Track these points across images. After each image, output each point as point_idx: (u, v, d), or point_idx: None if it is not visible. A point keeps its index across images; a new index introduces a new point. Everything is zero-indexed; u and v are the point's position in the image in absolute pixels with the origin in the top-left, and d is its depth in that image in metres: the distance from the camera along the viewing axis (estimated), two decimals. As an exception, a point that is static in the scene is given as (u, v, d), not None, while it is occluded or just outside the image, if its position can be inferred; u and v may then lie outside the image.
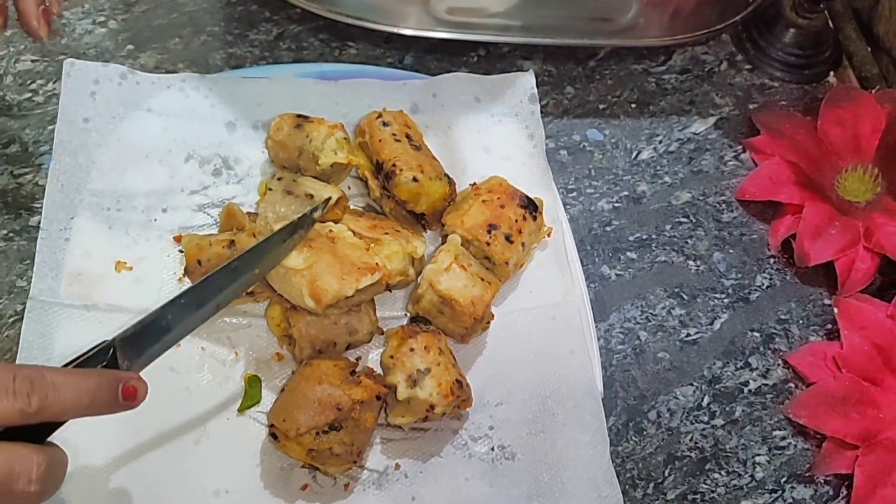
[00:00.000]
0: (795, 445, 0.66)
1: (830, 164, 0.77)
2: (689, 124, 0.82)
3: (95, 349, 0.49)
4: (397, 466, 0.60)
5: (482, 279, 0.63)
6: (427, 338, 0.61)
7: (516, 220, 0.66)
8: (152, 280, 0.64)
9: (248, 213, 0.65)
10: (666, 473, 0.64)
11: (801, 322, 0.71)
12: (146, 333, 0.51)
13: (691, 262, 0.73)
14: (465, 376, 0.61)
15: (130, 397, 0.48)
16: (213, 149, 0.70)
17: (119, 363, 0.49)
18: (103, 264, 0.64)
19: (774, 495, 0.63)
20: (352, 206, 0.69)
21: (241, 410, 0.60)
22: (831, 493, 0.64)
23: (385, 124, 0.68)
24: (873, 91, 0.80)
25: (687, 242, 0.75)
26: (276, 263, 0.58)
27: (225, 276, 0.54)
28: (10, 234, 0.67)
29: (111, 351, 0.49)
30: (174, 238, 0.66)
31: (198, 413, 0.60)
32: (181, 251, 0.64)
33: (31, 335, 0.60)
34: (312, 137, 0.66)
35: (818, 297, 0.73)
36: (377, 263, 0.60)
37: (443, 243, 0.66)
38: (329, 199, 0.62)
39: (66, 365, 0.47)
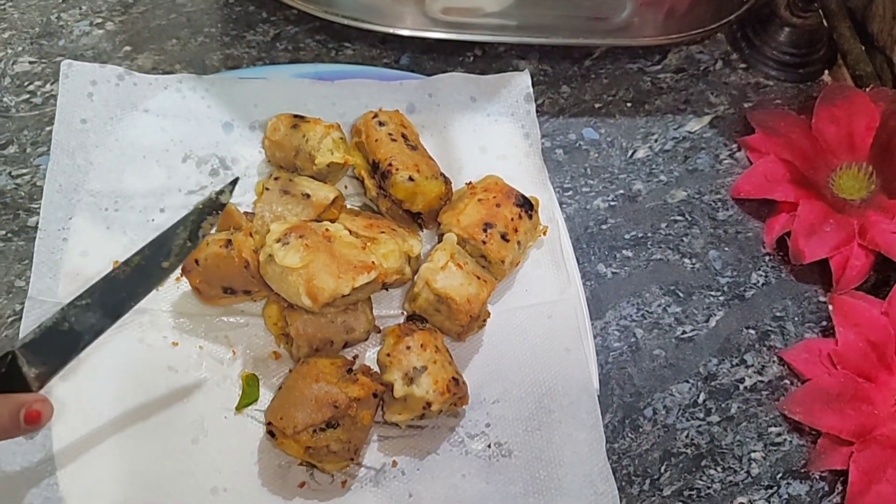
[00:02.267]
0: (791, 442, 0.66)
1: (825, 162, 0.78)
2: (685, 123, 0.82)
3: None
4: (394, 464, 0.60)
5: (478, 277, 0.64)
6: (423, 336, 0.61)
7: (512, 219, 0.66)
8: (150, 280, 0.64)
9: (246, 213, 0.66)
10: (662, 470, 0.64)
11: (796, 319, 0.72)
12: (50, 338, 0.50)
13: (687, 260, 0.74)
14: (461, 374, 0.61)
15: (33, 421, 0.47)
16: (210, 149, 0.71)
17: (24, 371, 0.48)
18: (101, 264, 0.64)
19: (770, 491, 0.64)
20: (348, 206, 0.69)
21: (238, 409, 0.61)
22: (826, 489, 0.64)
23: (381, 124, 0.69)
24: (867, 89, 0.81)
25: (682, 240, 0.75)
26: (185, 256, 0.54)
27: (131, 275, 0.52)
28: (9, 235, 0.67)
29: (10, 358, 0.48)
30: (172, 238, 0.66)
31: (196, 412, 0.60)
32: (178, 251, 0.65)
33: (30, 335, 0.60)
34: (309, 137, 0.67)
35: (813, 295, 0.73)
36: (373, 262, 0.60)
37: (439, 242, 0.66)
38: (237, 179, 0.57)
39: None
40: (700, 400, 0.67)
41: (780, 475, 0.64)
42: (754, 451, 0.65)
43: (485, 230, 0.65)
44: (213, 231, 0.57)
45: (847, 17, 0.88)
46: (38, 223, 0.65)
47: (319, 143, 0.66)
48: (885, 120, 0.77)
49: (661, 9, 0.79)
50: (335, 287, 0.58)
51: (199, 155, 0.70)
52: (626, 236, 0.74)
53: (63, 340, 0.50)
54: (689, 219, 0.76)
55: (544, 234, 0.70)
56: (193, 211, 0.54)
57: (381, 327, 0.64)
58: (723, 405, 0.67)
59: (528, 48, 0.84)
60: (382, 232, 0.64)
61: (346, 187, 0.71)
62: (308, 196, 0.65)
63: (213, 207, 0.55)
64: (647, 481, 0.63)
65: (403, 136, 0.69)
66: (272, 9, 0.83)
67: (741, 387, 0.68)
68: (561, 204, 0.74)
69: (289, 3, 0.75)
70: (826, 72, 0.87)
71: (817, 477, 0.65)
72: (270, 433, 0.58)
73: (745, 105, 0.84)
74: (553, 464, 0.61)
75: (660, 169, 0.79)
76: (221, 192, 0.55)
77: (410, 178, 0.65)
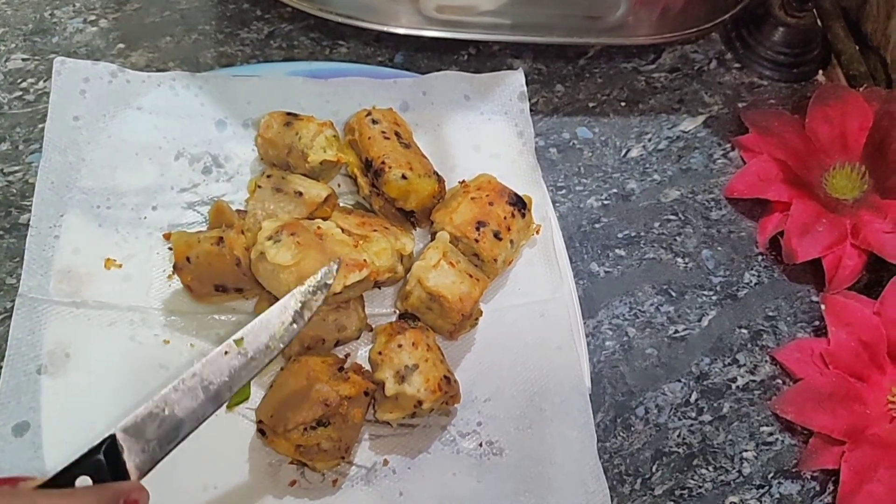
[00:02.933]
0: (782, 441, 0.66)
1: (818, 161, 0.78)
2: (679, 122, 0.82)
3: (97, 447, 0.46)
4: (385, 462, 0.60)
5: (471, 276, 0.64)
6: (415, 334, 0.61)
7: (505, 218, 0.66)
8: (141, 277, 0.64)
9: (238, 211, 0.66)
10: (653, 469, 0.64)
11: (788, 319, 0.72)
12: (150, 423, 0.48)
13: (680, 260, 0.74)
14: (453, 372, 0.61)
15: None
16: (202, 146, 0.71)
17: (123, 457, 0.46)
18: (93, 261, 0.64)
19: (761, 491, 0.64)
20: (341, 204, 0.69)
21: (229, 407, 0.60)
22: (818, 488, 0.64)
23: (374, 122, 0.69)
24: (861, 89, 0.81)
25: (675, 240, 0.75)
26: (290, 338, 0.52)
27: (233, 357, 0.50)
28: (0, 232, 0.67)
29: (110, 441, 0.46)
30: (164, 235, 0.66)
31: (186, 409, 0.60)
32: (170, 248, 0.65)
33: (20, 332, 0.60)
34: (302, 135, 0.67)
35: (806, 294, 0.73)
36: (365, 260, 0.60)
37: (432, 240, 0.66)
38: (340, 263, 0.56)
39: (68, 467, 0.45)
40: (692, 399, 0.67)
41: (771, 475, 0.64)
42: (746, 451, 0.65)
43: (477, 229, 0.65)
44: (317, 308, 0.54)
45: (841, 16, 0.88)
46: (29, 220, 0.64)
47: (312, 141, 0.66)
48: (878, 120, 0.77)
49: (656, 8, 0.79)
50: (327, 285, 0.58)
51: (192, 152, 0.70)
52: (619, 235, 0.74)
53: (164, 426, 0.48)
54: (683, 218, 0.76)
55: (537, 232, 0.70)
56: (298, 291, 0.53)
57: (373, 325, 0.64)
58: (715, 404, 0.67)
59: (522, 47, 0.84)
60: (375, 230, 0.64)
61: (338, 185, 0.71)
62: (300, 194, 0.65)
63: (318, 288, 0.54)
64: (639, 480, 0.63)
65: (397, 134, 0.69)
66: (266, 6, 0.83)
67: (733, 386, 0.68)
68: (554, 203, 0.74)
69: (283, 0, 0.75)
70: (820, 72, 0.87)
71: (809, 476, 0.65)
72: (261, 431, 0.58)
73: (739, 104, 0.84)
74: (544, 462, 0.61)
75: (653, 168, 0.79)
76: (328, 274, 0.54)
77: (403, 177, 0.65)
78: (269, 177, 0.66)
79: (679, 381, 0.68)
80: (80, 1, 0.81)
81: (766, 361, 0.69)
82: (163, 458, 0.48)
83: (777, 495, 0.64)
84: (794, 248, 0.72)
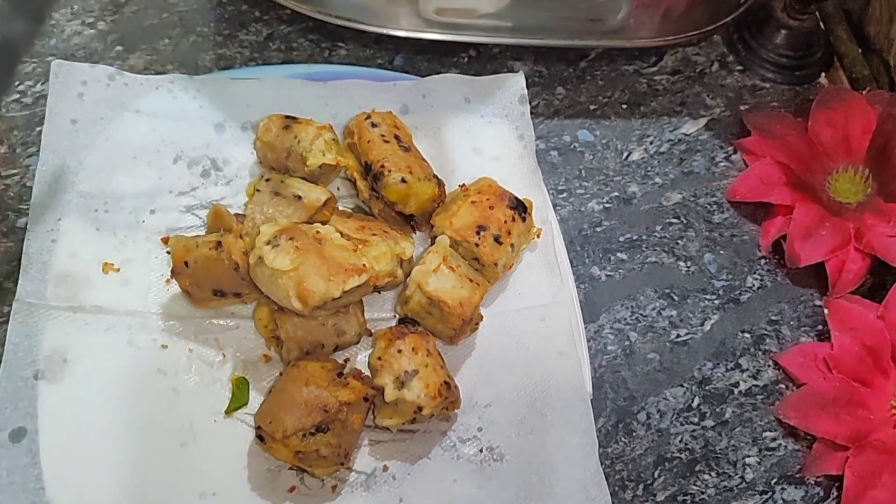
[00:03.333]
0: (786, 446, 0.65)
1: (821, 165, 0.77)
2: (680, 125, 0.82)
3: None
4: (385, 468, 0.59)
5: (471, 280, 0.63)
6: (415, 339, 0.60)
7: (505, 222, 0.66)
8: (139, 281, 0.64)
9: (236, 215, 0.65)
10: (655, 475, 0.63)
11: (791, 323, 0.71)
12: None
13: (682, 263, 0.73)
14: (453, 378, 0.61)
15: None
16: (201, 150, 0.70)
17: None
18: (90, 266, 0.63)
19: (765, 496, 0.63)
20: (340, 208, 0.68)
21: (228, 412, 0.60)
22: (821, 494, 0.64)
23: (374, 125, 0.68)
24: (864, 92, 0.80)
25: (677, 243, 0.74)
26: None
27: None
28: (-3, 236, 0.67)
29: None
30: (162, 239, 0.65)
31: (185, 415, 0.59)
32: (168, 252, 0.64)
33: (17, 337, 0.59)
34: (301, 138, 0.66)
35: (809, 299, 0.73)
36: (364, 265, 0.59)
37: (432, 244, 0.66)
38: None
39: None
40: (694, 404, 0.67)
41: (774, 480, 0.64)
42: (749, 456, 0.65)
43: (478, 233, 0.64)
44: None
45: (844, 19, 0.87)
46: (26, 224, 0.64)
47: (311, 145, 0.66)
48: (881, 123, 0.76)
49: (658, 10, 0.78)
50: (326, 290, 0.57)
51: (191, 156, 0.70)
52: (621, 239, 0.74)
53: None
54: (685, 221, 0.76)
55: (538, 236, 0.69)
56: None
57: (373, 330, 0.64)
58: (717, 409, 0.67)
59: (523, 49, 0.84)
60: (374, 234, 0.64)
61: (338, 189, 0.71)
62: (299, 198, 0.64)
63: None
64: (641, 486, 0.63)
65: (396, 137, 0.68)
66: (265, 8, 0.83)
67: (736, 391, 0.68)
68: (555, 206, 0.73)
69: (282, 3, 0.75)
70: (823, 74, 0.87)
71: (812, 482, 0.64)
72: (260, 437, 0.57)
73: (742, 107, 0.83)
74: (545, 468, 0.60)
75: (655, 171, 0.78)
76: None
77: (403, 180, 0.65)
78: (267, 180, 0.66)
79: (681, 385, 0.67)
80: (77, 3, 0.81)
81: (768, 366, 0.69)
82: None
83: (780, 501, 0.63)
84: (797, 251, 0.71)
